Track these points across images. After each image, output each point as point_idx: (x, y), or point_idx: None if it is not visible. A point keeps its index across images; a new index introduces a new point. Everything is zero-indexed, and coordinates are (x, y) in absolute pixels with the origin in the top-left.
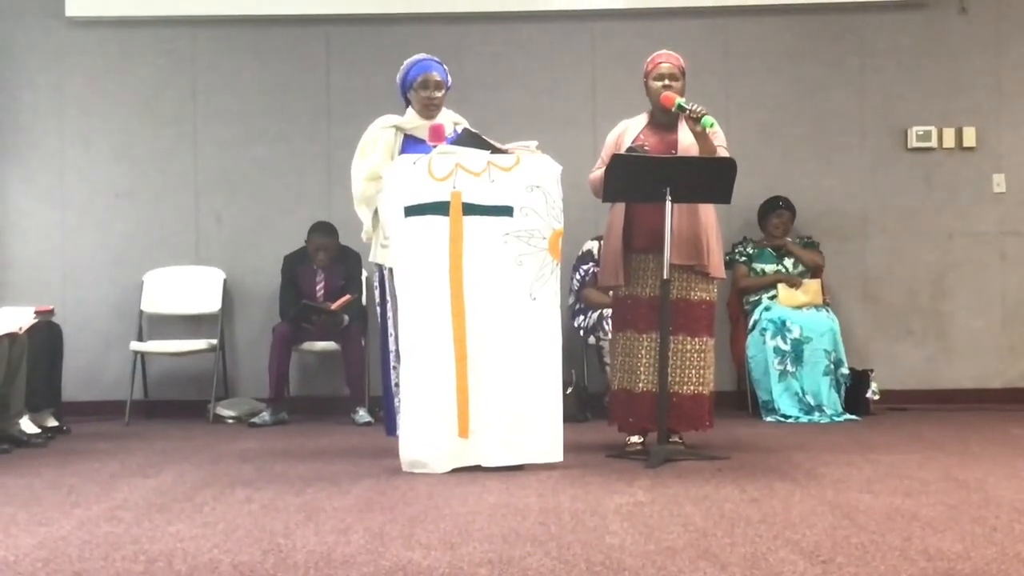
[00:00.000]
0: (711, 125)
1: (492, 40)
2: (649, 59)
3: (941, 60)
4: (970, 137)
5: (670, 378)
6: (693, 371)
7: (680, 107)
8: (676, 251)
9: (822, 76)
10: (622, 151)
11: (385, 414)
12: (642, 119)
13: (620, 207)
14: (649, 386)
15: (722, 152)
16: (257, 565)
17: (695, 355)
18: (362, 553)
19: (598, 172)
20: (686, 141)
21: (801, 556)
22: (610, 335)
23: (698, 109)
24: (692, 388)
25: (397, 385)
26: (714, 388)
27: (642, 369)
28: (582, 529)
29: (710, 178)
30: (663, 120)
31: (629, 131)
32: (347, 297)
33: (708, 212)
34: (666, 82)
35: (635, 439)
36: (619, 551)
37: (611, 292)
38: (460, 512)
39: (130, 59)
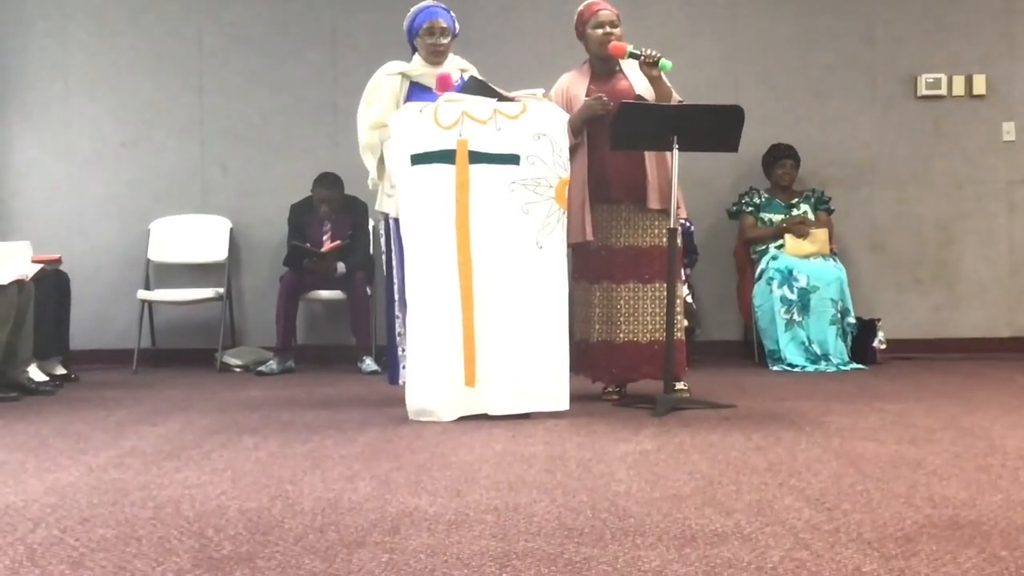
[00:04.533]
0: (670, 68)
1: None
2: (583, 7)
3: (951, 7)
4: (980, 85)
5: (650, 326)
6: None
7: (632, 54)
8: (654, 196)
9: (831, 23)
10: (571, 107)
11: (389, 363)
12: (584, 71)
13: (581, 160)
14: (630, 336)
15: (675, 95)
16: (264, 511)
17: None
18: (369, 500)
19: None
20: (641, 87)
21: (806, 503)
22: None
23: (652, 53)
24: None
25: (400, 335)
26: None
27: (622, 320)
28: (588, 477)
29: (718, 127)
30: (603, 69)
31: (575, 84)
32: (337, 243)
33: (669, 155)
34: (607, 30)
35: (612, 388)
36: (625, 498)
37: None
38: (466, 460)
39: (136, 7)
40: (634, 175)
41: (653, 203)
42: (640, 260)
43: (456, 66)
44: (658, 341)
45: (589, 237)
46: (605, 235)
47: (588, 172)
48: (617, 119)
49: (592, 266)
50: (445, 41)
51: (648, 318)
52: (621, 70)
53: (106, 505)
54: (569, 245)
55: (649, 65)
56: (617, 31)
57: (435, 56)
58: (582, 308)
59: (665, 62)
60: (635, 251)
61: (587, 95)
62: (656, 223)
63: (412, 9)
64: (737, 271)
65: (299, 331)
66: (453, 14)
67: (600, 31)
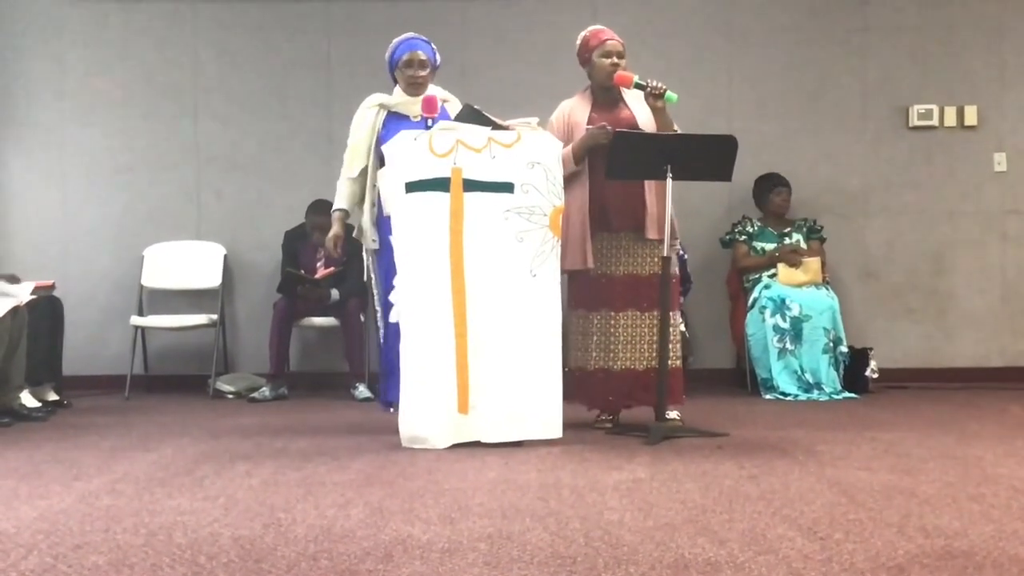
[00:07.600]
0: (676, 100)
1: (494, 15)
2: (588, 34)
3: (943, 38)
4: (972, 116)
5: (647, 354)
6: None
7: (639, 85)
8: (653, 226)
9: (824, 53)
10: (573, 134)
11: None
12: (586, 98)
13: (582, 188)
14: (628, 364)
15: (676, 127)
16: (257, 539)
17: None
18: (362, 527)
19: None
20: (643, 117)
21: (799, 532)
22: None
23: (659, 85)
24: (669, 362)
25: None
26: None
27: (620, 347)
28: (581, 505)
29: (712, 156)
30: (605, 98)
31: (576, 112)
32: (331, 269)
33: (666, 185)
34: (614, 60)
35: (604, 416)
36: (618, 527)
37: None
38: (460, 487)
39: (131, 34)
40: (633, 205)
41: (652, 233)
42: (639, 289)
43: (437, 96)
44: (655, 369)
45: (590, 264)
46: (605, 263)
47: (589, 200)
48: (612, 148)
49: (591, 294)
50: (423, 73)
51: (646, 346)
52: (623, 99)
53: (98, 532)
54: (567, 272)
55: (655, 96)
56: (623, 62)
57: (414, 88)
58: (578, 336)
59: (671, 94)
60: (634, 280)
61: (589, 123)
62: (655, 252)
63: (393, 41)
64: (730, 299)
65: (292, 358)
66: (434, 46)
67: (608, 60)
